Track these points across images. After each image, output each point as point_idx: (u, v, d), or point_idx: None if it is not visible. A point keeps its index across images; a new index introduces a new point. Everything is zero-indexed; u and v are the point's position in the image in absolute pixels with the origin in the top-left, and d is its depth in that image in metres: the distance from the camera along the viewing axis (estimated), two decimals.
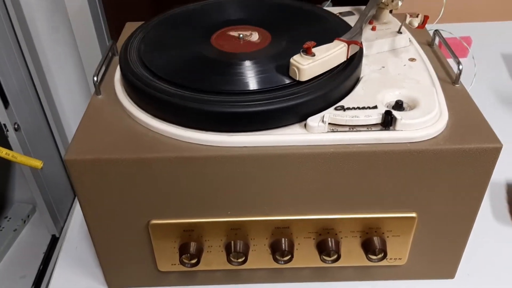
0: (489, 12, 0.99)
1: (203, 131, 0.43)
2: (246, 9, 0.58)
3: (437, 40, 0.57)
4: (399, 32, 0.55)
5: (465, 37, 0.85)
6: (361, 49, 0.48)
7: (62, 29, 1.03)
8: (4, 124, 1.01)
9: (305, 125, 0.43)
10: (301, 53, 0.44)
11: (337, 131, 0.43)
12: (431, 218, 0.47)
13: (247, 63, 0.47)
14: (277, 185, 0.44)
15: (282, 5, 0.58)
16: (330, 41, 0.46)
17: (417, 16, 0.49)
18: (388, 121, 0.43)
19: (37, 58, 1.10)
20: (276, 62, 0.47)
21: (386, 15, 0.57)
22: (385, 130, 0.43)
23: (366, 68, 0.50)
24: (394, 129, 0.43)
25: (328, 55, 0.44)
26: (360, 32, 0.48)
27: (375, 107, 0.44)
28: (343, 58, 0.46)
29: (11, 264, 1.19)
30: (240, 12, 0.57)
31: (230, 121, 0.43)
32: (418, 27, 0.50)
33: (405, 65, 0.52)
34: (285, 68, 0.45)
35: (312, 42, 0.44)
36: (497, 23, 0.97)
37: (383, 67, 0.51)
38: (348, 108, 0.44)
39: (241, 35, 0.51)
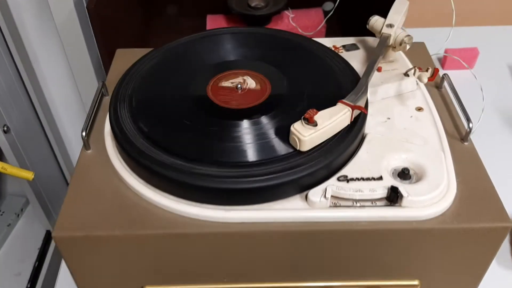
0: (498, 16, 0.94)
1: (198, 204, 0.41)
2: (242, 45, 0.54)
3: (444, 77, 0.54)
4: (406, 74, 0.51)
5: (472, 49, 0.82)
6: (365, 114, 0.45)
7: (49, 30, 0.99)
8: None
9: (306, 196, 0.41)
10: (302, 122, 0.41)
11: (339, 206, 0.41)
12: (434, 285, 0.46)
13: (245, 125, 0.44)
14: (277, 256, 0.43)
15: (280, 40, 0.54)
16: (333, 91, 0.44)
17: (427, 70, 0.46)
18: (394, 198, 0.40)
19: (25, 55, 1.06)
20: (275, 124, 0.44)
21: (393, 53, 0.53)
22: (391, 205, 0.41)
23: (371, 119, 0.48)
24: (400, 205, 0.41)
25: (331, 123, 0.41)
26: (365, 90, 0.45)
27: (380, 178, 0.42)
28: (346, 123, 0.43)
29: (5, 261, 1.18)
30: (237, 50, 0.53)
31: (227, 197, 0.40)
32: (428, 80, 0.47)
33: (411, 116, 0.49)
34: (285, 132, 0.42)
35: (314, 110, 0.41)
36: (506, 27, 0.93)
37: (389, 118, 0.49)
38: (352, 179, 0.42)
39: (239, 86, 0.48)
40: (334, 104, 0.43)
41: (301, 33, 0.81)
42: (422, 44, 0.60)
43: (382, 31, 0.50)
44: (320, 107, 0.42)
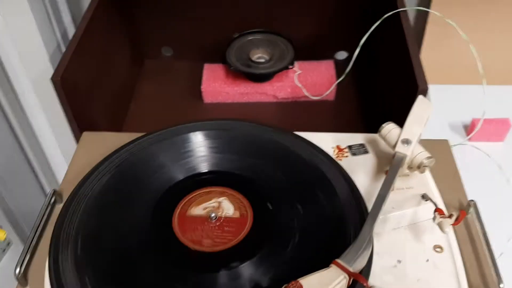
0: None
1: None
2: (218, 149, 0.44)
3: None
4: (424, 198, 0.42)
5: (503, 120, 0.71)
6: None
7: None
8: None
9: None
10: None
11: None
12: None
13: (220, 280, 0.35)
14: None
15: (269, 145, 0.45)
16: (332, 229, 0.35)
17: (450, 217, 0.36)
18: None
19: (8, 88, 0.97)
20: (253, 277, 0.35)
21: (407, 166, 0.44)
22: None
23: (377, 259, 0.38)
24: None
25: None
26: (369, 244, 0.35)
27: None
28: None
29: None
30: (206, 157, 0.44)
31: None
32: (452, 225, 0.37)
33: (428, 260, 0.39)
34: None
35: (298, 282, 0.31)
36: None
37: (399, 261, 0.39)
38: None
39: (212, 215, 0.39)
40: (329, 258, 0.34)
41: (306, 95, 0.72)
42: (445, 142, 0.50)
43: (397, 149, 0.40)
44: (312, 251, 0.35)
